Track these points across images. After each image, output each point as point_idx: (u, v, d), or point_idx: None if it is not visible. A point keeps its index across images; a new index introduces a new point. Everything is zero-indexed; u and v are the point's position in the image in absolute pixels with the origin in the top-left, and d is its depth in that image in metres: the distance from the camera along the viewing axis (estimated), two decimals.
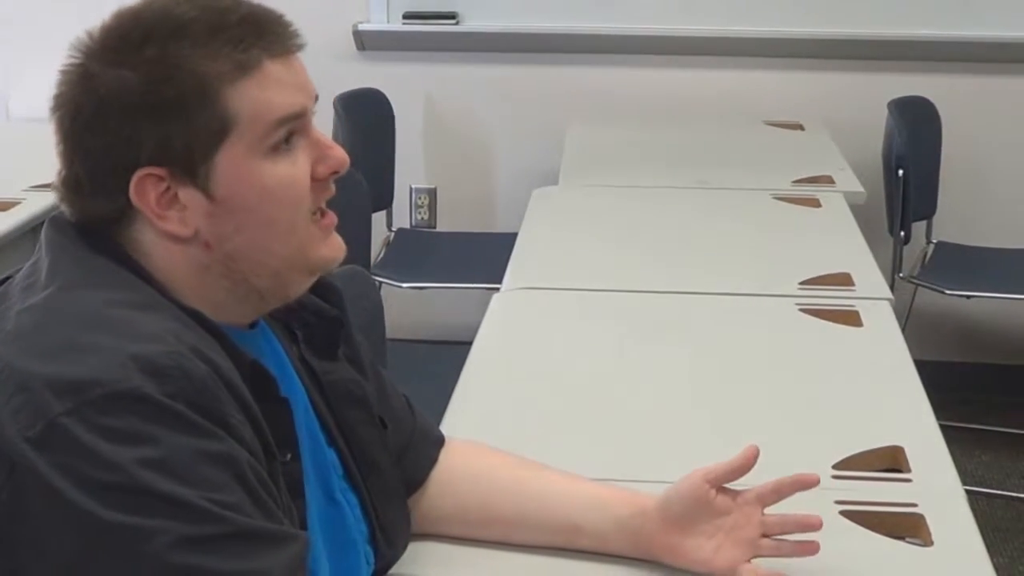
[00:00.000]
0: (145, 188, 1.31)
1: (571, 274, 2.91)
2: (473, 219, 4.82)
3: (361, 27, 4.70)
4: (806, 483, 1.60)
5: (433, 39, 4.76)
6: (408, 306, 4.47)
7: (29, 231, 3.35)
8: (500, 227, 4.57)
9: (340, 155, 1.39)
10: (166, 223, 1.32)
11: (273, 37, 1.34)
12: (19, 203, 3.39)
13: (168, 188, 1.31)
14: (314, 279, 1.43)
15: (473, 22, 4.73)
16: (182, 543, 1.16)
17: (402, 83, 4.68)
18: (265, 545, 1.21)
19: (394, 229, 4.64)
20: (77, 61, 1.32)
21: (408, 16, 4.73)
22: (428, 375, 2.60)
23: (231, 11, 1.33)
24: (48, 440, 1.16)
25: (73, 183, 1.33)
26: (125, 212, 1.33)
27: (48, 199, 3.42)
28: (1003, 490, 4.05)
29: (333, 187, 1.40)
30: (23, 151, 4.15)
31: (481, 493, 1.69)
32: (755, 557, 1.59)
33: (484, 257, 3.99)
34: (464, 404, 2.17)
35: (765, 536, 1.59)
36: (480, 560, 1.67)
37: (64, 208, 1.36)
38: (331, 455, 1.51)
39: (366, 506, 1.54)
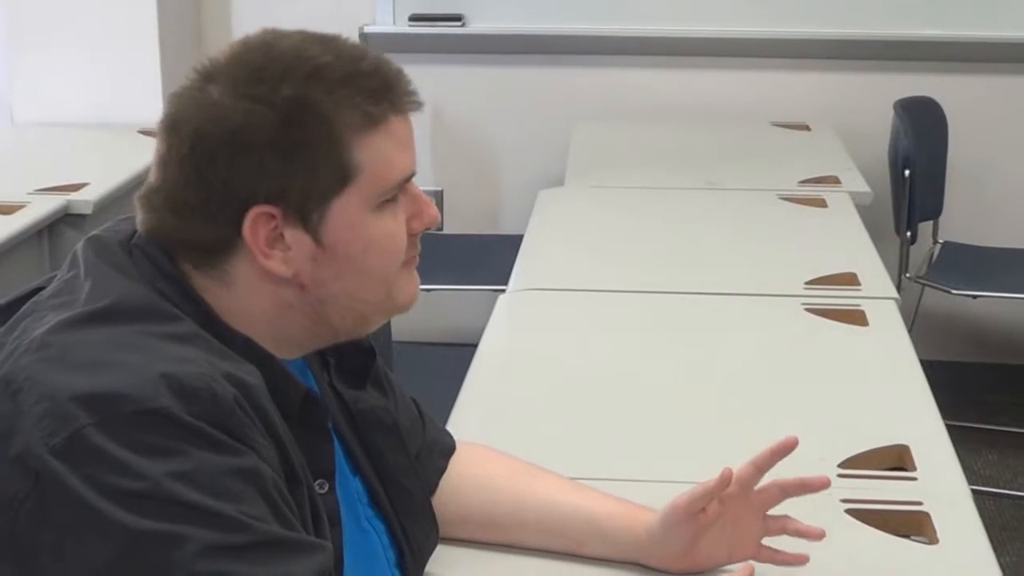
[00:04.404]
0: (257, 225, 1.30)
1: (577, 275, 2.91)
2: (479, 221, 4.82)
3: (367, 29, 4.70)
4: (812, 486, 1.59)
5: (439, 41, 4.75)
6: (414, 308, 4.45)
7: (34, 234, 3.36)
8: (506, 229, 4.57)
9: (434, 213, 1.40)
10: (269, 261, 1.31)
11: (400, 93, 1.34)
12: (24, 206, 3.39)
13: (276, 227, 1.30)
14: (390, 318, 1.45)
15: (479, 24, 4.73)
16: (211, 551, 1.15)
17: None
18: (292, 552, 1.21)
19: None
20: (201, 86, 1.30)
21: (414, 18, 4.73)
22: (434, 377, 2.60)
23: (362, 60, 1.33)
24: (73, 450, 1.16)
25: (177, 206, 1.31)
26: (228, 243, 1.31)
27: (53, 202, 3.43)
28: (1011, 490, 4.04)
29: (419, 244, 1.41)
30: (29, 154, 4.18)
31: (482, 500, 1.69)
32: (755, 560, 1.59)
33: (490, 259, 3.99)
34: (470, 406, 2.17)
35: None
36: (482, 561, 1.67)
37: (148, 220, 1.33)
38: (356, 483, 1.50)
39: (394, 532, 1.53)
